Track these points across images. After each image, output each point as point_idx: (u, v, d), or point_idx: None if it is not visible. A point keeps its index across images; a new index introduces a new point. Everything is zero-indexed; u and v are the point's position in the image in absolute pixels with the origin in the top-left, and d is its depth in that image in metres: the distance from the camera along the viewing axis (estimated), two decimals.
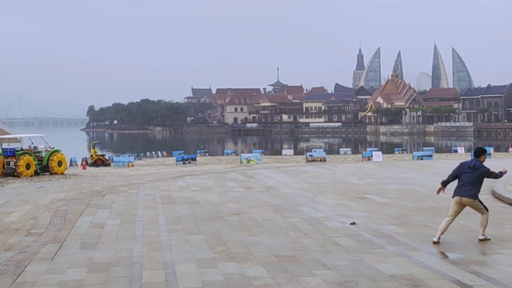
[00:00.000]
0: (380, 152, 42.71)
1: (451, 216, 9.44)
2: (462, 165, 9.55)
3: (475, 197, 9.32)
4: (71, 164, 38.60)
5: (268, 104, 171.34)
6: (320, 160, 37.81)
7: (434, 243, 9.25)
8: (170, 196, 16.10)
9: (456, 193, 9.42)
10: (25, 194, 17.48)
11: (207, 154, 57.03)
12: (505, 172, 9.74)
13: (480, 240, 9.43)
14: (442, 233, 9.41)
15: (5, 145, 29.19)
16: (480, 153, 9.53)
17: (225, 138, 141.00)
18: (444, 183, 9.80)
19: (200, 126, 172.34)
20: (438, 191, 9.97)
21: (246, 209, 13.38)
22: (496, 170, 9.58)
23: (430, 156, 38.69)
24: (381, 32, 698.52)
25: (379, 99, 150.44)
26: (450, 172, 9.76)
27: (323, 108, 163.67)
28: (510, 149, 55.82)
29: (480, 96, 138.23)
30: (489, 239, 9.46)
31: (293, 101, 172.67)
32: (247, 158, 37.58)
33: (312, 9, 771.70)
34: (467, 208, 12.74)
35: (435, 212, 12.41)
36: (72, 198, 15.90)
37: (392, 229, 10.55)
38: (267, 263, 8.11)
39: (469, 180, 9.29)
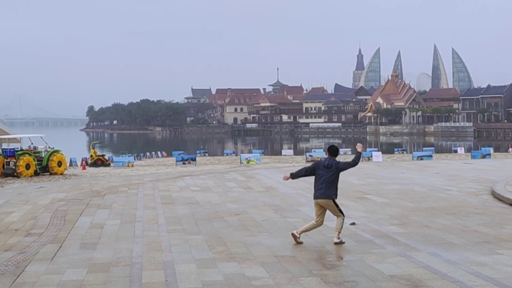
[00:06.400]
0: (380, 153, 42.63)
1: (316, 218, 9.35)
2: (317, 164, 9.44)
3: (330, 197, 9.20)
4: (70, 164, 38.56)
5: (268, 104, 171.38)
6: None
7: (294, 237, 9.32)
8: (169, 196, 16.09)
9: (314, 196, 9.36)
10: (25, 194, 17.47)
11: (207, 154, 57.00)
12: (360, 148, 9.53)
13: (336, 243, 9.22)
14: (304, 231, 9.38)
15: (5, 145, 29.20)
16: (336, 152, 9.48)
17: (225, 138, 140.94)
18: (293, 176, 9.69)
19: (200, 126, 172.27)
20: (285, 179, 9.93)
21: (246, 209, 13.38)
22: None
23: (430, 156, 38.66)
24: (381, 32, 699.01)
25: (379, 99, 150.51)
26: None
27: (323, 108, 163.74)
28: (510, 149, 55.79)
29: (480, 96, 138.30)
30: (343, 242, 9.23)
31: (293, 101, 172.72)
32: (247, 158, 37.57)
33: (312, 9, 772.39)
34: (469, 209, 12.84)
35: (435, 212, 12.41)
36: (72, 199, 15.88)
37: (392, 229, 10.55)
38: (267, 263, 8.11)
39: (325, 180, 9.18)
